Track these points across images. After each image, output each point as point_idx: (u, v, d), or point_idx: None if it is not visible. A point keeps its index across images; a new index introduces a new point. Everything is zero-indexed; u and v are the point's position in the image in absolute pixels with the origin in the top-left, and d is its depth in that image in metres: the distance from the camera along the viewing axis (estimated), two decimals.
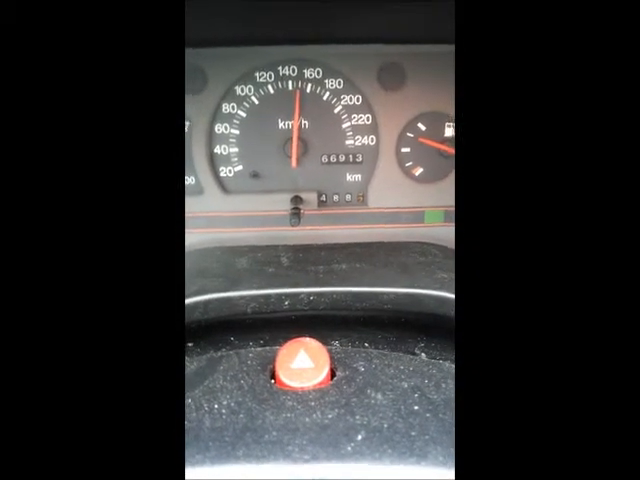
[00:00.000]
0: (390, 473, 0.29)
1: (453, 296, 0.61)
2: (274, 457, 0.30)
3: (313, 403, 0.35)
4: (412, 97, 0.83)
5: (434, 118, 0.85)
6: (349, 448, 0.30)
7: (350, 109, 0.84)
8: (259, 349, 0.46)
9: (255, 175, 0.88)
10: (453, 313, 0.62)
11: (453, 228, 0.90)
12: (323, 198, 0.89)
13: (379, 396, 0.37)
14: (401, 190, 0.89)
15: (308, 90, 0.82)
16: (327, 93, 0.83)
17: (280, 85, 0.82)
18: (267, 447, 0.30)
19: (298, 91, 0.82)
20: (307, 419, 0.33)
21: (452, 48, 0.81)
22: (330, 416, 0.34)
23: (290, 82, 0.82)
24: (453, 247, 0.86)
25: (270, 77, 0.82)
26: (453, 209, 0.90)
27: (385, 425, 0.33)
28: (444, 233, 0.90)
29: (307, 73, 0.82)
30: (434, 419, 0.34)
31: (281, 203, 0.85)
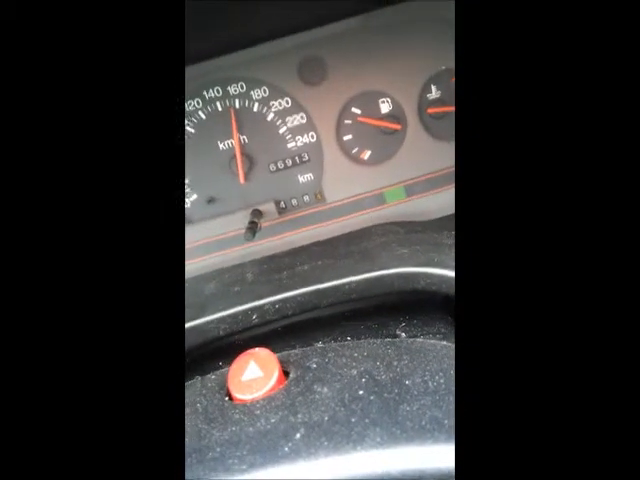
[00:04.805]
0: (328, 465, 0.29)
1: (413, 269, 0.61)
2: (215, 473, 0.30)
3: (259, 411, 0.36)
4: (338, 84, 0.83)
5: (366, 99, 0.85)
6: (286, 449, 0.31)
7: (282, 113, 0.84)
8: (223, 370, 0.47)
9: (211, 200, 0.89)
10: (419, 286, 0.62)
11: (416, 201, 0.90)
12: (282, 205, 0.90)
13: (325, 389, 0.37)
14: (355, 177, 0.89)
15: (237, 106, 0.83)
16: (256, 104, 0.83)
17: (209, 109, 0.83)
18: (209, 464, 0.31)
19: (231, 109, 0.82)
20: (251, 429, 0.34)
21: (362, 21, 0.80)
22: (273, 421, 0.34)
23: (218, 103, 0.83)
24: (417, 220, 0.86)
25: (198, 104, 0.83)
26: (412, 182, 0.90)
27: (326, 417, 0.33)
28: (407, 208, 0.90)
29: (231, 90, 0.82)
30: (378, 400, 0.34)
31: (242, 221, 0.86)
